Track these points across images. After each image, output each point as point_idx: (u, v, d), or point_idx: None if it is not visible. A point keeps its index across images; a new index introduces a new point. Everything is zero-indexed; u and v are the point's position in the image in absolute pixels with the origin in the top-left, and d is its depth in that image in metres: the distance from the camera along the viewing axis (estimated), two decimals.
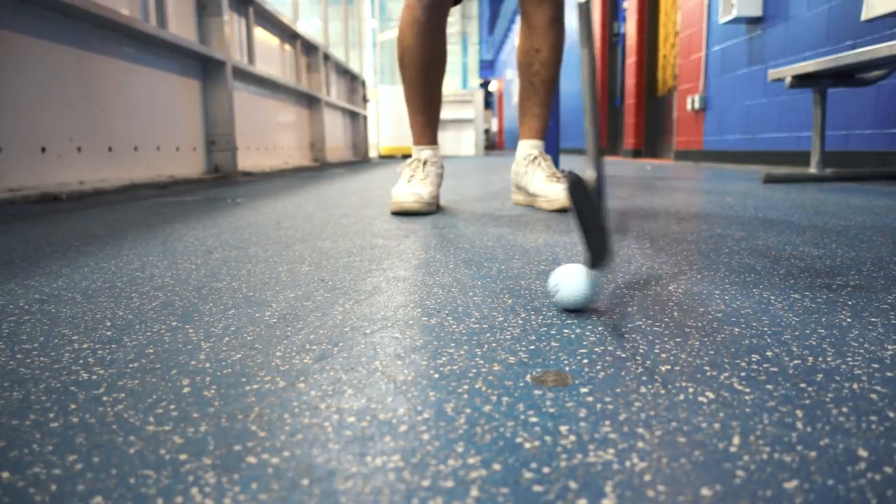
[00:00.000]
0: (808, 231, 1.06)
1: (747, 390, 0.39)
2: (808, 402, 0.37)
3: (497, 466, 0.31)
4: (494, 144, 21.49)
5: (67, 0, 1.95)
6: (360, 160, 6.87)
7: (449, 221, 1.29)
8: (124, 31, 2.39)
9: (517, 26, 1.95)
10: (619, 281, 0.71)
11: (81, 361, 0.47)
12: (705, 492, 0.28)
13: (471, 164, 4.81)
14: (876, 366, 0.43)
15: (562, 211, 1.42)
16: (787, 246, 0.92)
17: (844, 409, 0.36)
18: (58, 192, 1.90)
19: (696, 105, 4.68)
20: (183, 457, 0.32)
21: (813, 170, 2.45)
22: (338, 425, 0.35)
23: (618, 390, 0.40)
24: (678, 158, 5.15)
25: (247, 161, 3.74)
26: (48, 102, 2.04)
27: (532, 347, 0.48)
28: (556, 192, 1.43)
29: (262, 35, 4.17)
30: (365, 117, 7.64)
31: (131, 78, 2.54)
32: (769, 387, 0.40)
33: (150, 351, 0.49)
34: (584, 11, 0.66)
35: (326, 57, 5.76)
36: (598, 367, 0.44)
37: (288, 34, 4.73)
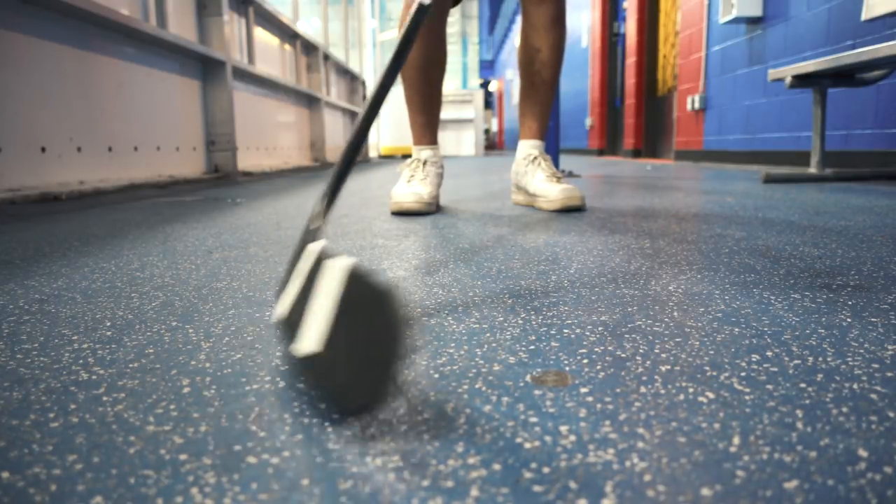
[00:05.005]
0: (808, 231, 1.06)
1: (747, 390, 0.39)
2: (808, 402, 0.37)
3: (497, 466, 0.31)
4: (494, 144, 21.48)
5: (67, 0, 1.95)
6: (360, 160, 6.87)
7: (449, 221, 1.29)
8: (124, 31, 2.39)
9: (517, 26, 1.95)
10: (620, 281, 0.71)
11: (81, 361, 0.47)
12: (705, 492, 0.28)
13: (471, 164, 4.81)
14: (876, 366, 0.43)
15: (562, 211, 1.42)
16: (787, 246, 0.92)
17: (844, 409, 0.36)
18: (58, 192, 1.90)
19: (696, 105, 4.68)
20: (183, 457, 0.32)
21: (813, 170, 2.45)
22: (338, 425, 0.35)
23: (618, 390, 0.40)
24: (678, 158, 5.14)
25: (247, 161, 3.74)
26: (48, 102, 2.04)
27: (532, 347, 0.48)
28: (556, 192, 1.43)
29: (261, 35, 4.17)
30: None
31: (131, 78, 2.54)
32: (769, 387, 0.40)
33: (150, 351, 0.49)
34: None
35: (326, 57, 5.76)
36: (598, 367, 0.44)
37: (288, 34, 4.73)
